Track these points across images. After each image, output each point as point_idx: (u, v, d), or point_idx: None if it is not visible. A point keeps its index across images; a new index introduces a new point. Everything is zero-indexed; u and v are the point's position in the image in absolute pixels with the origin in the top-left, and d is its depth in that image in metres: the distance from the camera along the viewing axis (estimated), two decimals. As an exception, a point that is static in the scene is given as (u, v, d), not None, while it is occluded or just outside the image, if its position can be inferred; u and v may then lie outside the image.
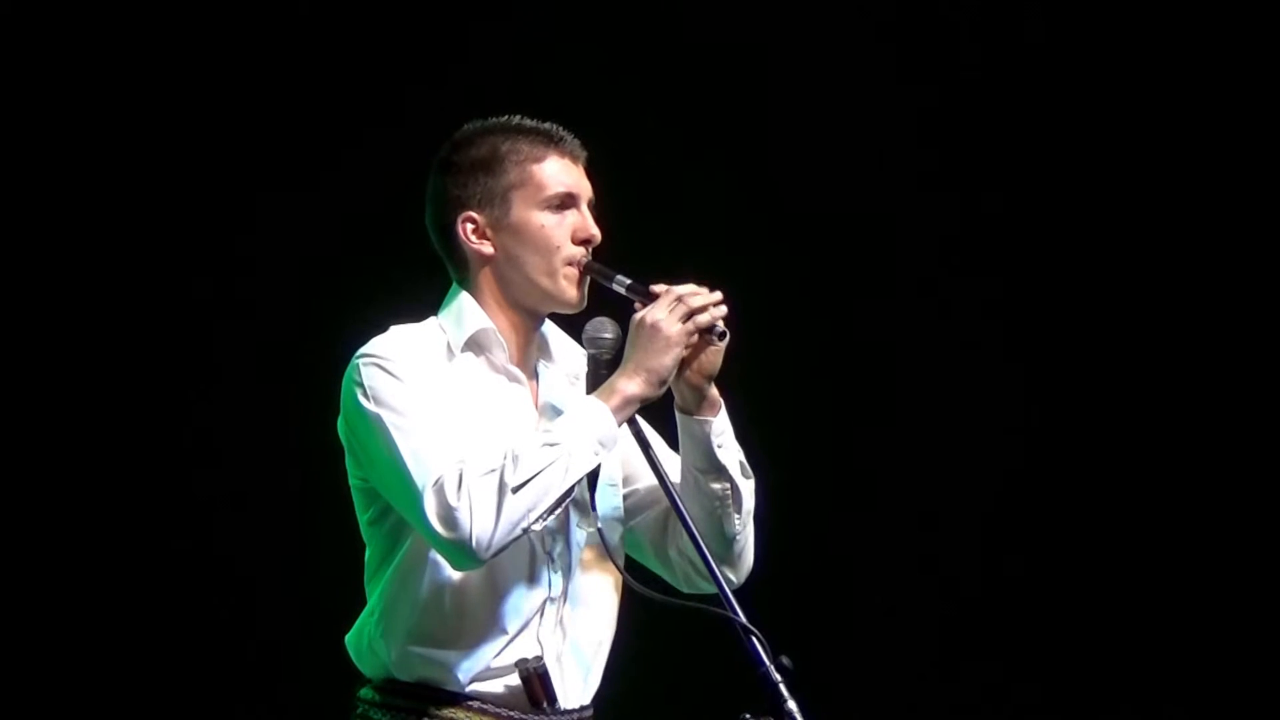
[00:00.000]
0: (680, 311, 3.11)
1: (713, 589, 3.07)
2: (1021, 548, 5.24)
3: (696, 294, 3.12)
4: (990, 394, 5.26)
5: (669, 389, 3.16)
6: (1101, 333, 5.29)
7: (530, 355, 3.28)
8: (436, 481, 3.02)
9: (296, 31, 5.09)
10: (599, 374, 3.18)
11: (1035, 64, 5.28)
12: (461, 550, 3.01)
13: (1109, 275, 5.29)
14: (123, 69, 5.03)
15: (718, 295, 3.14)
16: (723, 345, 3.15)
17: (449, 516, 3.00)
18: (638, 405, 3.13)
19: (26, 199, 5.01)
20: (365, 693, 3.20)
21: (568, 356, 3.28)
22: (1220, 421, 5.26)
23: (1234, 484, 5.25)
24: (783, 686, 2.90)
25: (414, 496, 3.03)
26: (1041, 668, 5.22)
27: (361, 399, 3.10)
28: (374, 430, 3.09)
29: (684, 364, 3.15)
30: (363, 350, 3.15)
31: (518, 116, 3.27)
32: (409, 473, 3.04)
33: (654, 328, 3.10)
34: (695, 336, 3.12)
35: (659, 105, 5.17)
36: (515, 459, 3.02)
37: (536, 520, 3.04)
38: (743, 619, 2.97)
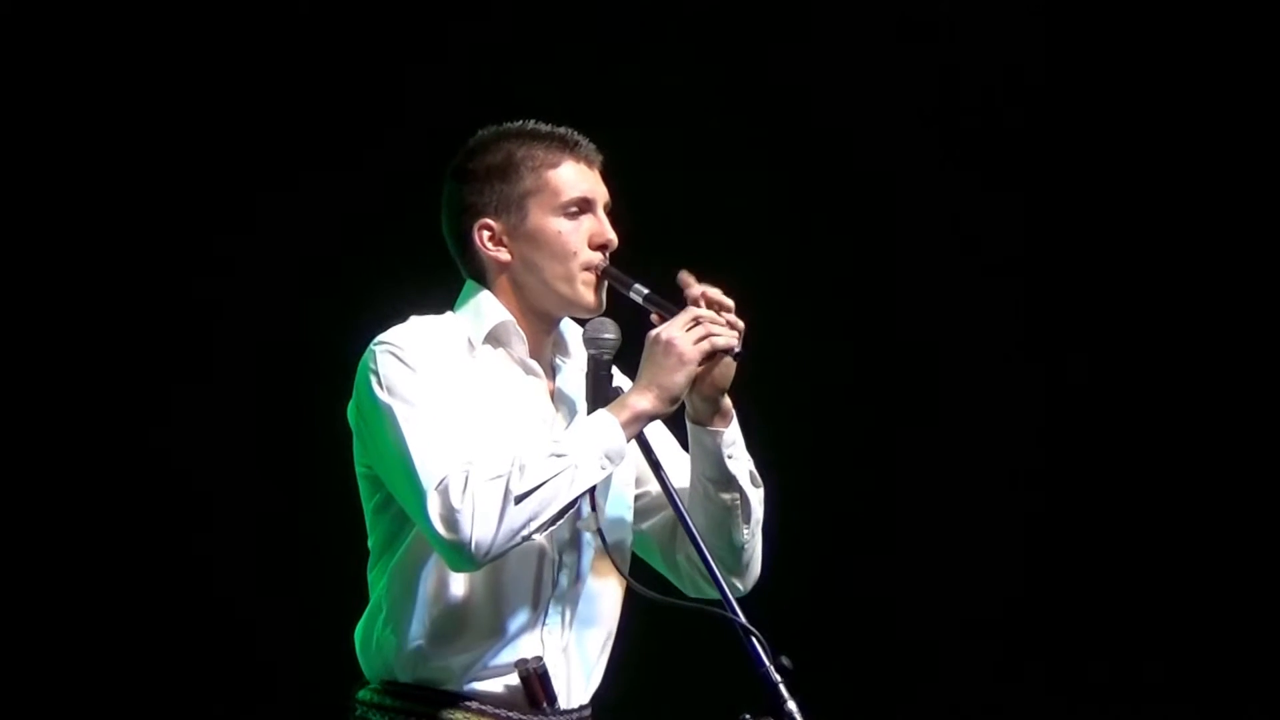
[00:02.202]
0: (698, 331, 3.11)
1: (718, 595, 3.07)
2: (1024, 549, 5.24)
3: (715, 315, 3.12)
4: (1000, 396, 5.28)
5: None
6: (1119, 334, 5.31)
7: (547, 350, 3.29)
8: (441, 482, 3.02)
9: (299, 29, 5.11)
10: (599, 374, 3.18)
11: (1052, 64, 5.32)
12: (459, 553, 3.01)
13: (1124, 277, 5.30)
14: (122, 69, 5.04)
15: (730, 303, 3.13)
16: (736, 360, 3.15)
17: (451, 519, 3.00)
18: (648, 421, 3.12)
19: (25, 197, 5.02)
20: (363, 694, 3.20)
21: (585, 352, 3.26)
22: (1241, 428, 5.28)
23: (1254, 490, 5.28)
24: (783, 687, 2.91)
25: (418, 494, 3.03)
26: (1041, 669, 5.22)
27: (375, 387, 3.11)
28: (384, 420, 3.09)
29: (697, 378, 3.14)
30: (381, 337, 3.15)
31: (532, 121, 3.28)
32: (415, 469, 3.04)
33: (669, 345, 3.10)
34: (710, 357, 3.12)
35: (662, 108, 5.20)
36: (521, 467, 3.02)
37: (537, 530, 3.04)
38: (743, 619, 2.98)
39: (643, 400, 3.11)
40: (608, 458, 3.09)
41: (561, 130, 3.28)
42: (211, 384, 5.07)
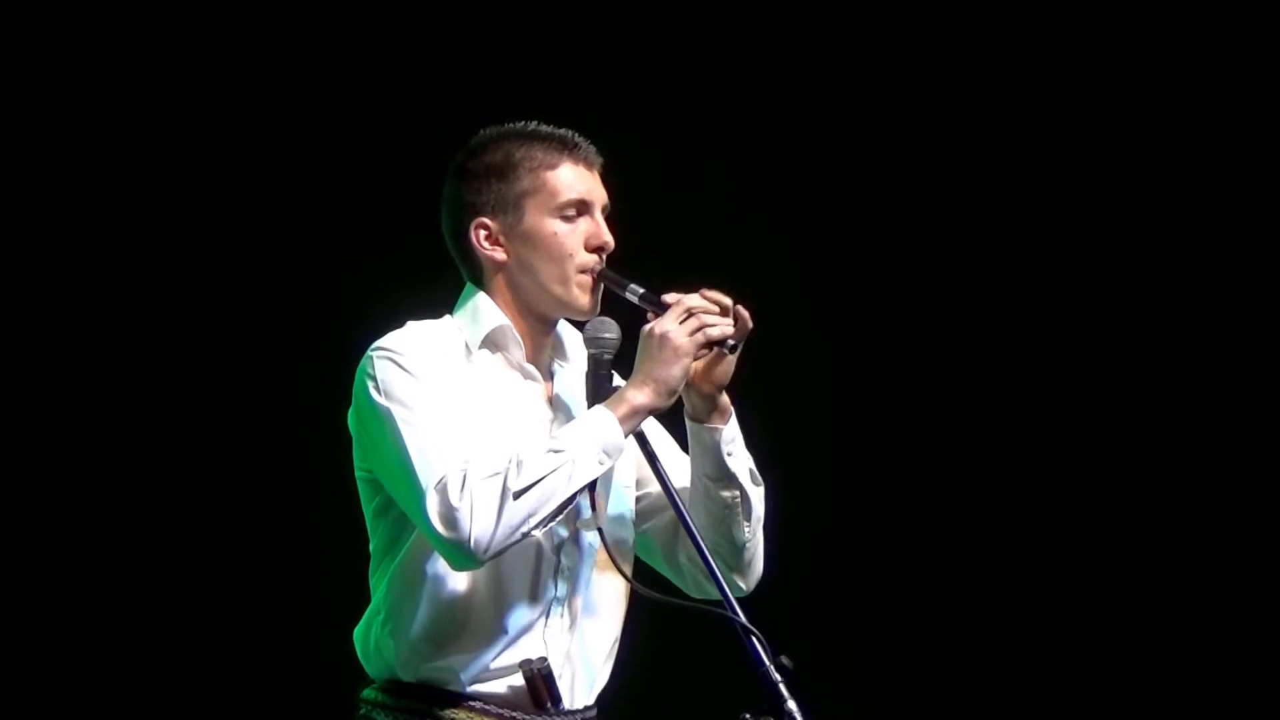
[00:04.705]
0: (691, 324, 3.11)
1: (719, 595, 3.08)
2: (1020, 549, 5.25)
3: (708, 306, 3.13)
4: (989, 395, 5.28)
5: (679, 398, 3.16)
6: (1097, 335, 5.31)
7: (545, 354, 3.29)
8: (440, 481, 3.03)
9: (322, 38, 5.14)
10: (599, 373, 3.19)
11: (1029, 71, 5.32)
12: (460, 551, 3.02)
13: (1100, 280, 5.31)
14: (155, 76, 5.07)
15: (728, 302, 3.13)
16: (734, 355, 3.15)
17: (450, 516, 3.01)
18: (646, 416, 3.12)
19: (45, 200, 5.04)
20: (368, 693, 3.21)
21: (583, 356, 3.27)
22: (1208, 429, 5.28)
23: (1223, 490, 5.27)
24: (782, 686, 2.91)
25: (417, 494, 3.04)
26: (1041, 669, 5.22)
27: (372, 392, 3.12)
28: (383, 424, 3.10)
29: (695, 374, 3.15)
30: (377, 343, 3.16)
31: (534, 122, 3.27)
32: (414, 469, 3.05)
33: (664, 338, 3.10)
34: (705, 348, 3.12)
35: (660, 110, 5.20)
36: (519, 464, 3.03)
37: (537, 526, 3.04)
38: (743, 619, 2.99)
39: (640, 395, 3.11)
40: (606, 453, 3.09)
41: (562, 131, 3.28)
42: (218, 384, 5.09)
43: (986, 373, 5.29)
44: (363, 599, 3.25)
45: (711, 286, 3.15)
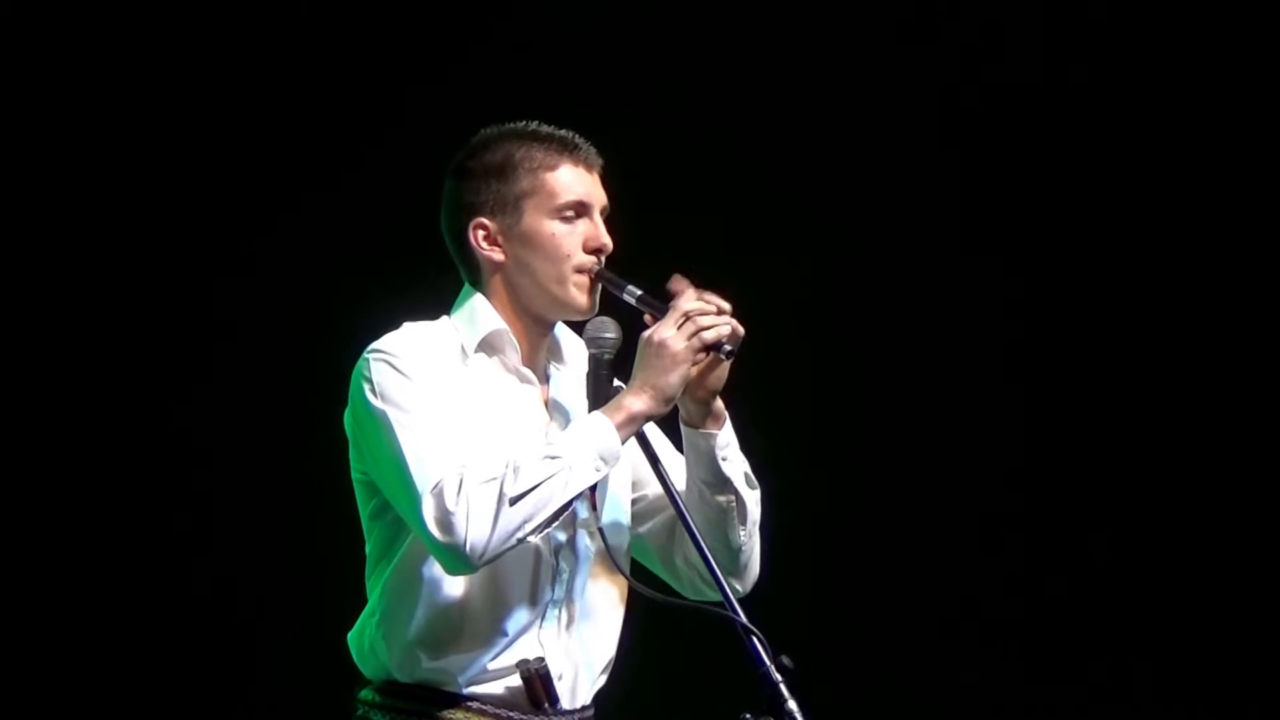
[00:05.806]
0: (688, 329, 3.11)
1: (718, 596, 3.08)
2: (1024, 551, 5.25)
3: (705, 311, 3.12)
4: (994, 395, 5.28)
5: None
6: (1109, 336, 5.30)
7: (541, 357, 3.29)
8: (436, 485, 3.03)
9: (304, 34, 5.13)
10: (599, 373, 3.19)
11: (1045, 63, 5.32)
12: (455, 555, 3.03)
13: (1114, 278, 5.30)
14: (133, 74, 5.06)
15: (726, 306, 3.14)
16: (729, 361, 3.15)
17: (445, 521, 3.02)
18: (643, 422, 3.13)
19: (32, 198, 5.04)
20: (365, 694, 3.21)
21: (579, 359, 3.28)
22: (1222, 431, 5.28)
23: (1238, 492, 5.28)
24: (783, 686, 2.92)
25: (413, 497, 3.05)
26: (1043, 671, 5.23)
27: (369, 395, 3.12)
28: (379, 427, 3.10)
29: (691, 380, 3.14)
30: (374, 345, 3.16)
31: (535, 122, 3.27)
32: (410, 473, 3.06)
33: (661, 345, 3.11)
34: (702, 354, 3.13)
35: (659, 107, 5.19)
36: (516, 469, 3.03)
37: (532, 532, 3.05)
38: (743, 619, 2.99)
39: (638, 401, 3.11)
40: (603, 459, 3.09)
41: (562, 132, 3.28)
42: (217, 384, 5.09)
43: (991, 371, 5.29)
44: (359, 600, 3.24)
45: (706, 288, 3.16)
